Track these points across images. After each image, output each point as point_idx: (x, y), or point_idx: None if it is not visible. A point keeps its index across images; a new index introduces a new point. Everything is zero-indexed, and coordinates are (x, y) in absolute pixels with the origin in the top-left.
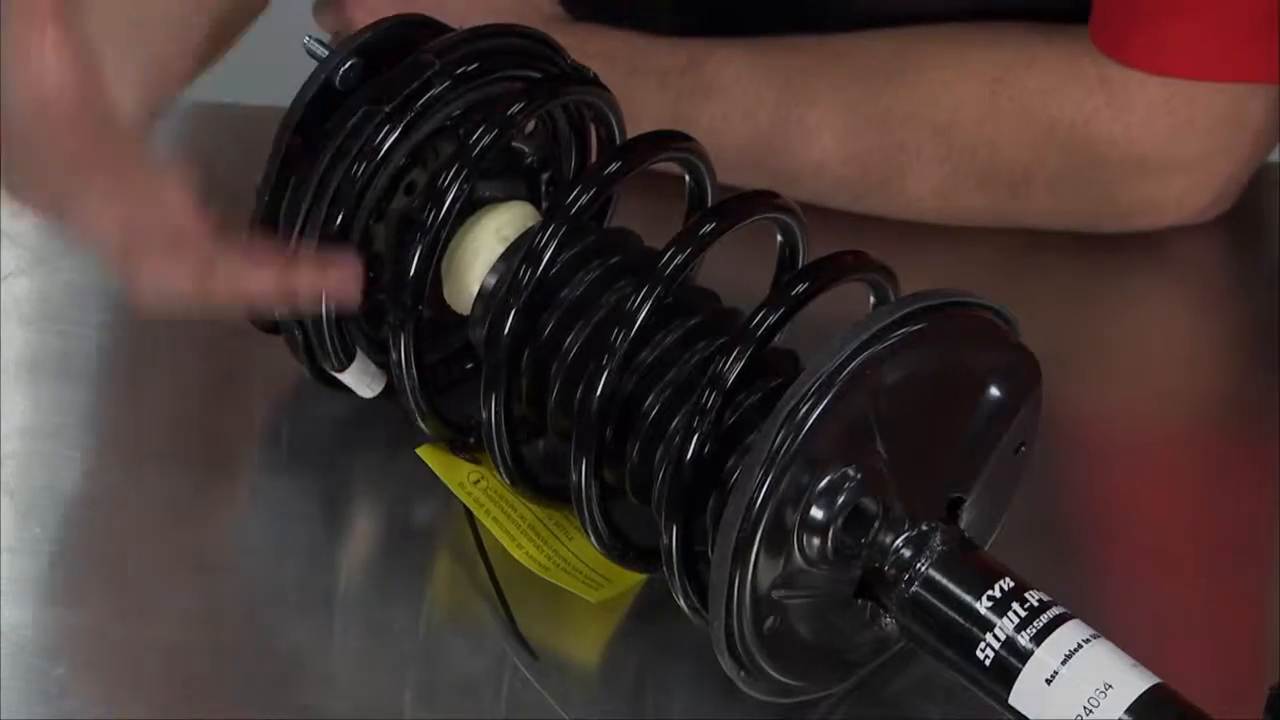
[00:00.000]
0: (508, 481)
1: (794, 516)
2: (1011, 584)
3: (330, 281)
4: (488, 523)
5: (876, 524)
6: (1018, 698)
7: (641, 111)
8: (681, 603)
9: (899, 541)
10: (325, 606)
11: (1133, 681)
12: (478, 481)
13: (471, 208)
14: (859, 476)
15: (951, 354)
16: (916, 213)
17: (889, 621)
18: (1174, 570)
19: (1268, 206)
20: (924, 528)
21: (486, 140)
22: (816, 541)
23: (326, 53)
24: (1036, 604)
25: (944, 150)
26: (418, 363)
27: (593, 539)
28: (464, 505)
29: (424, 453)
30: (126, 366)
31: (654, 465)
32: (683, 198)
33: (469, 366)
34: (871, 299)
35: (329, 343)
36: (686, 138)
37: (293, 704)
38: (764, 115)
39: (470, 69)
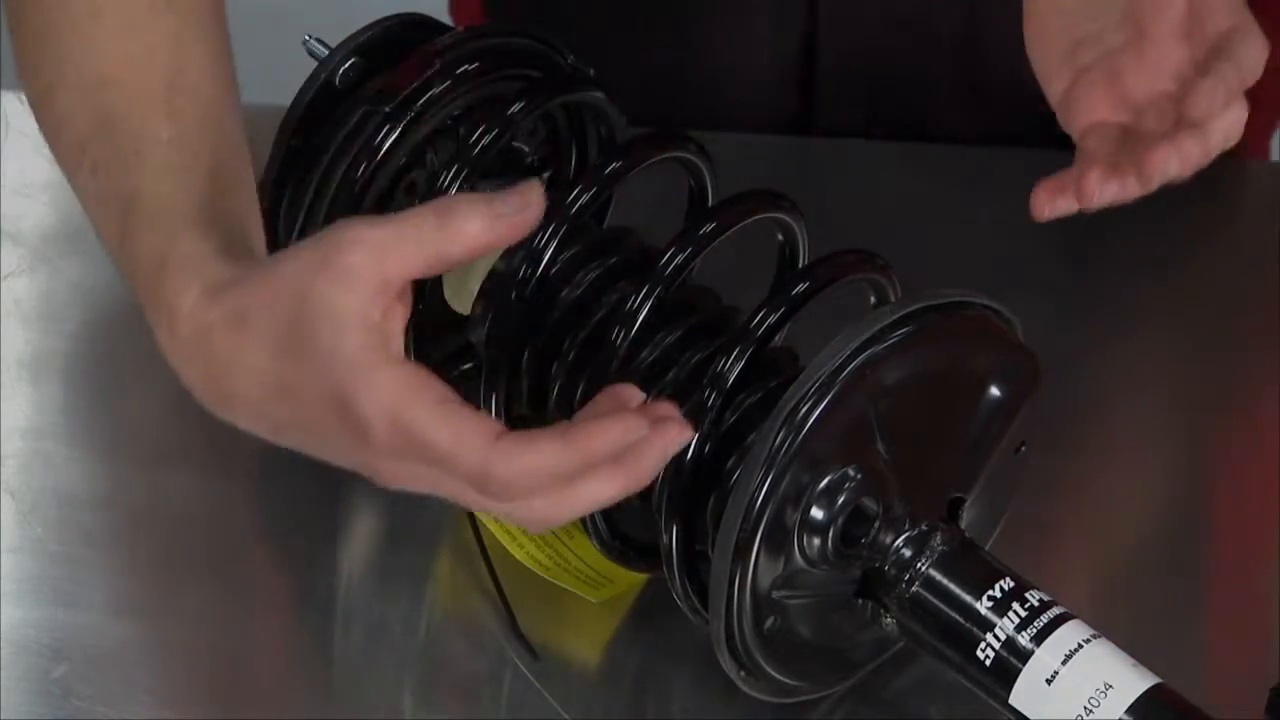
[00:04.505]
0: None
1: (794, 516)
2: (1012, 584)
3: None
4: (488, 523)
5: (877, 524)
6: (1018, 698)
7: None
8: (681, 603)
9: (899, 541)
10: (325, 606)
11: (1133, 681)
12: None
13: None
14: (859, 476)
15: (952, 354)
16: None
17: (889, 621)
18: (1174, 570)
19: (1268, 206)
20: (924, 527)
21: (486, 140)
22: (817, 541)
23: (326, 52)
24: (1037, 604)
25: None
26: (418, 363)
27: (593, 539)
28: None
29: None
30: (127, 366)
31: None
32: (683, 197)
33: (469, 366)
34: (872, 299)
35: None
36: (687, 138)
37: (293, 704)
38: None
39: (470, 69)
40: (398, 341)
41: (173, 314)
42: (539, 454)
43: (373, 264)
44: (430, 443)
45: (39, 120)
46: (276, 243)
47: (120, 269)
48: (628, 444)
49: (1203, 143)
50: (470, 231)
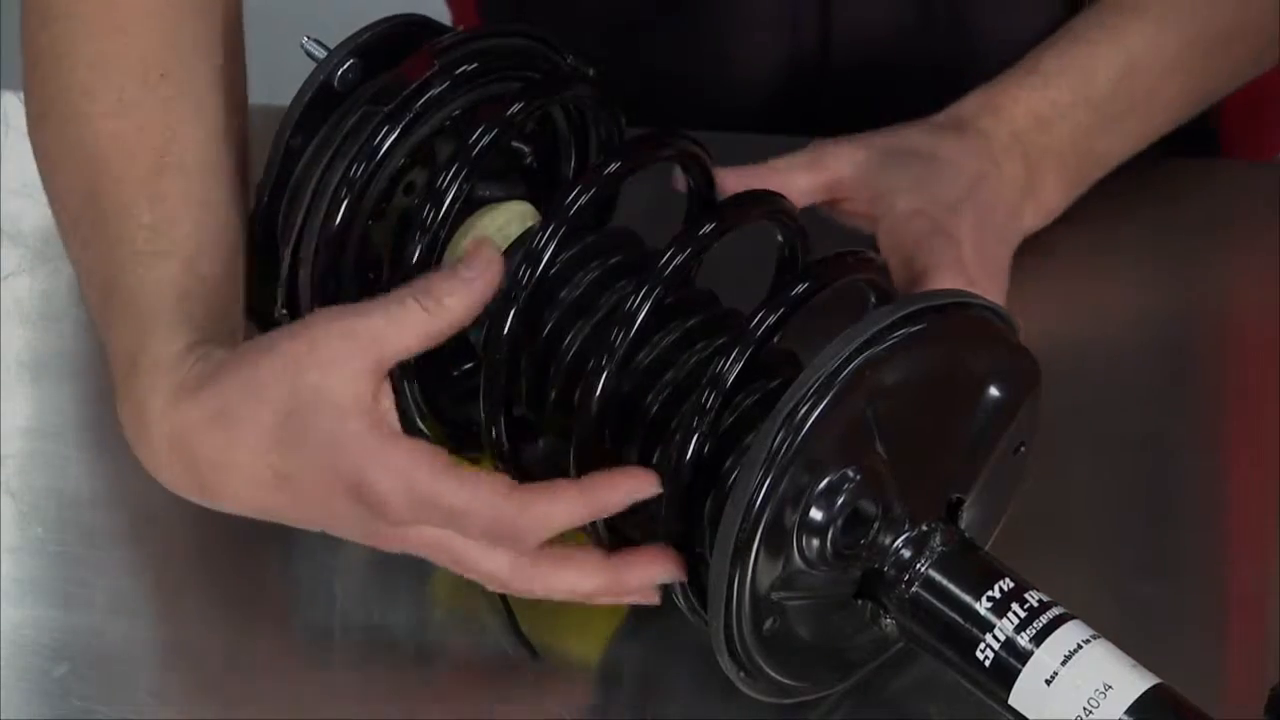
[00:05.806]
0: None
1: (793, 517)
2: (1011, 584)
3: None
4: None
5: (876, 525)
6: (1018, 698)
7: None
8: (681, 603)
9: (899, 542)
10: (325, 607)
11: (1133, 681)
12: None
13: (471, 208)
14: (858, 477)
15: (951, 354)
16: None
17: (889, 622)
18: (1174, 570)
19: (1267, 206)
20: (924, 528)
21: (486, 140)
22: (816, 542)
23: (325, 53)
24: (1036, 604)
25: None
26: (417, 363)
27: (593, 539)
28: None
29: None
30: None
31: (653, 466)
32: (683, 197)
33: (469, 366)
34: (872, 299)
35: None
36: (687, 137)
37: (293, 704)
38: None
39: (470, 69)
40: (393, 416)
41: (143, 413)
42: (553, 500)
43: (366, 353)
44: (449, 503)
45: (32, 144)
46: (276, 246)
47: (104, 349)
48: (637, 498)
49: None
50: (453, 307)
